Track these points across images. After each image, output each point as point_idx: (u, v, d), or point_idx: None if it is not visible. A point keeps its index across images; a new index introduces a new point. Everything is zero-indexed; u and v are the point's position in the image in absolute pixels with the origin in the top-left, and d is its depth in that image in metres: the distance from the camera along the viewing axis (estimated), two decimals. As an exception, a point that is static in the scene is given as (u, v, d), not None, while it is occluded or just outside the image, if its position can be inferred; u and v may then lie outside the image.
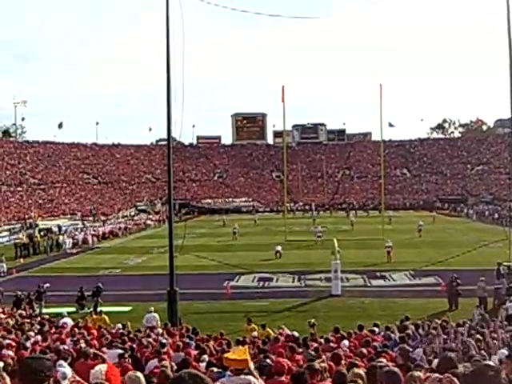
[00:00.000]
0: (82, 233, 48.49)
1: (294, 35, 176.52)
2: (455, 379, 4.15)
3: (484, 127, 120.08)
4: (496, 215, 58.84)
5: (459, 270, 25.05)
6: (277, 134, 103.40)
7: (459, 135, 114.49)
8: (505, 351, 8.32)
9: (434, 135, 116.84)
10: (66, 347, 10.42)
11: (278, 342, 12.18)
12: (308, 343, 11.82)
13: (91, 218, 61.74)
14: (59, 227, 48.88)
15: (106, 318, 17.78)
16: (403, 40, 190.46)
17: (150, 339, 12.96)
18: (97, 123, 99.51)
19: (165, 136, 23.08)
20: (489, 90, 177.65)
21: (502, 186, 77.07)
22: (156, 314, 17.93)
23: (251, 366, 5.93)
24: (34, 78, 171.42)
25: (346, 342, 11.62)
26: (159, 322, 17.31)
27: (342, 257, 30.06)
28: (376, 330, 14.46)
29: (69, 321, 15.92)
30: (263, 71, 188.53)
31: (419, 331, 12.72)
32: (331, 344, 11.76)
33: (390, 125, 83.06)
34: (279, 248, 34.68)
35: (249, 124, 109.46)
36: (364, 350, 9.52)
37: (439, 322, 13.24)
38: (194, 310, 20.69)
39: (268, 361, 7.34)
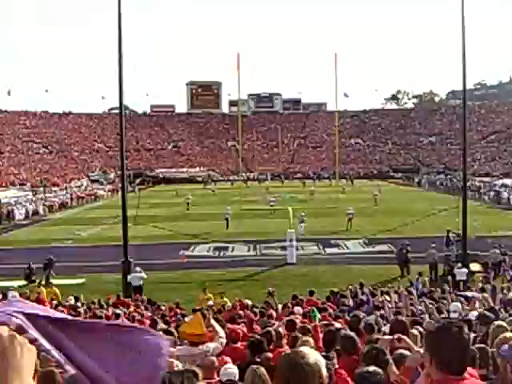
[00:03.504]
0: (33, 204, 47.14)
1: (250, 2, 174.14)
2: (405, 338, 4.18)
3: (436, 99, 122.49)
4: (447, 184, 60.56)
5: (411, 238, 25.62)
6: (232, 103, 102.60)
7: (412, 106, 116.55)
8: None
9: (388, 106, 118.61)
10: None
11: (234, 310, 12.19)
12: (264, 311, 11.88)
13: (42, 189, 59.88)
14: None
15: (57, 290, 17.39)
16: (360, 10, 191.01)
17: (104, 310, 12.77)
18: (46, 91, 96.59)
19: (118, 104, 22.50)
20: (442, 61, 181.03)
21: (453, 156, 79.02)
22: (142, 274, 18.62)
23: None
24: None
25: (299, 308, 11.73)
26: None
27: (306, 224, 30.26)
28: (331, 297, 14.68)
29: (16, 295, 15.46)
30: (218, 39, 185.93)
31: (371, 297, 12.99)
32: (288, 310, 11.86)
33: (345, 95, 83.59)
34: (229, 211, 33.88)
35: (204, 92, 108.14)
36: (319, 316, 9.62)
37: (391, 288, 13.56)
38: (149, 280, 20.47)
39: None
